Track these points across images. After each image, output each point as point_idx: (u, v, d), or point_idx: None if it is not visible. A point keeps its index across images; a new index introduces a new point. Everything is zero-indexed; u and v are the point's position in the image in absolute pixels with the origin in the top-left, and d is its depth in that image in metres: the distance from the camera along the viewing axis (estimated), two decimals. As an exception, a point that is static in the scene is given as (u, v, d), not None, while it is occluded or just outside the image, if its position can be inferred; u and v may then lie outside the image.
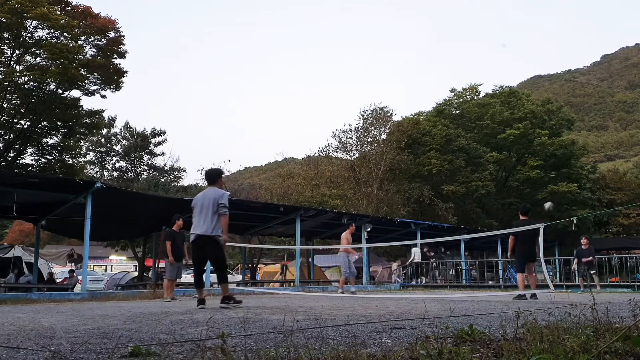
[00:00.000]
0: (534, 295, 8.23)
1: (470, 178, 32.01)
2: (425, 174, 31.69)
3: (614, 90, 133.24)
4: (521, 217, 9.27)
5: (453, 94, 38.79)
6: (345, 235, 12.04)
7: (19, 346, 2.88)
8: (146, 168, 31.15)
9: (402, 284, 19.40)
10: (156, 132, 30.48)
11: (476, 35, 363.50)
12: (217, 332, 3.13)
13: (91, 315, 5.52)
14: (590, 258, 14.07)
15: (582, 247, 14.38)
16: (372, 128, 32.75)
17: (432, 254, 21.38)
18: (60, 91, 22.06)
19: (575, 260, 14.62)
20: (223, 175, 7.57)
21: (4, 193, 12.02)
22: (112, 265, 45.90)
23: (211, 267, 10.92)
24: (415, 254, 19.94)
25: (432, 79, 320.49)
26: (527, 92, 44.16)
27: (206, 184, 7.11)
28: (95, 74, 22.66)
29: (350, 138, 33.16)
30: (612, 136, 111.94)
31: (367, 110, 32.92)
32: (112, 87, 23.51)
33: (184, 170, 31.69)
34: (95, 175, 29.60)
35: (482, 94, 38.55)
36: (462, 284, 19.30)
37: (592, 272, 14.20)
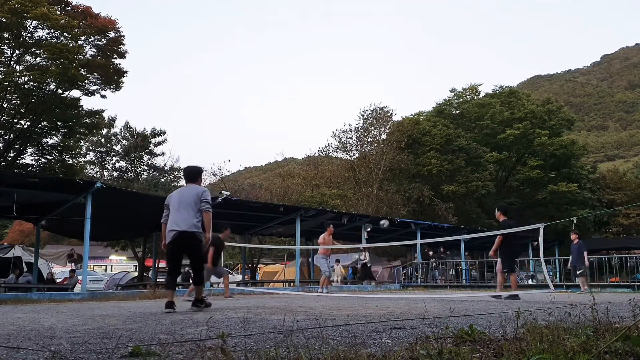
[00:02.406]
0: (515, 296, 8.04)
1: (470, 178, 32.02)
2: (425, 174, 31.70)
3: (614, 90, 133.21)
4: (502, 218, 9.00)
5: (453, 94, 38.85)
6: (324, 236, 11.60)
7: (19, 346, 2.88)
8: (146, 168, 31.24)
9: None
10: (156, 132, 30.56)
11: (476, 36, 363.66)
12: (217, 332, 3.13)
13: (91, 315, 5.51)
14: (587, 257, 12.45)
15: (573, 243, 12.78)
16: (372, 128, 32.79)
17: (432, 253, 21.42)
18: (60, 91, 22.06)
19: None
20: (203, 174, 7.22)
21: (4, 193, 12.02)
22: (112, 265, 45.88)
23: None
24: (361, 256, 19.27)
25: (432, 79, 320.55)
26: (527, 92, 44.22)
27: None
28: (95, 74, 22.69)
29: (350, 138, 33.26)
30: (612, 136, 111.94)
31: (367, 110, 33.05)
32: (112, 87, 23.54)
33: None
34: (95, 175, 29.65)
35: (482, 94, 38.67)
36: (462, 284, 19.30)
37: (577, 272, 12.50)
